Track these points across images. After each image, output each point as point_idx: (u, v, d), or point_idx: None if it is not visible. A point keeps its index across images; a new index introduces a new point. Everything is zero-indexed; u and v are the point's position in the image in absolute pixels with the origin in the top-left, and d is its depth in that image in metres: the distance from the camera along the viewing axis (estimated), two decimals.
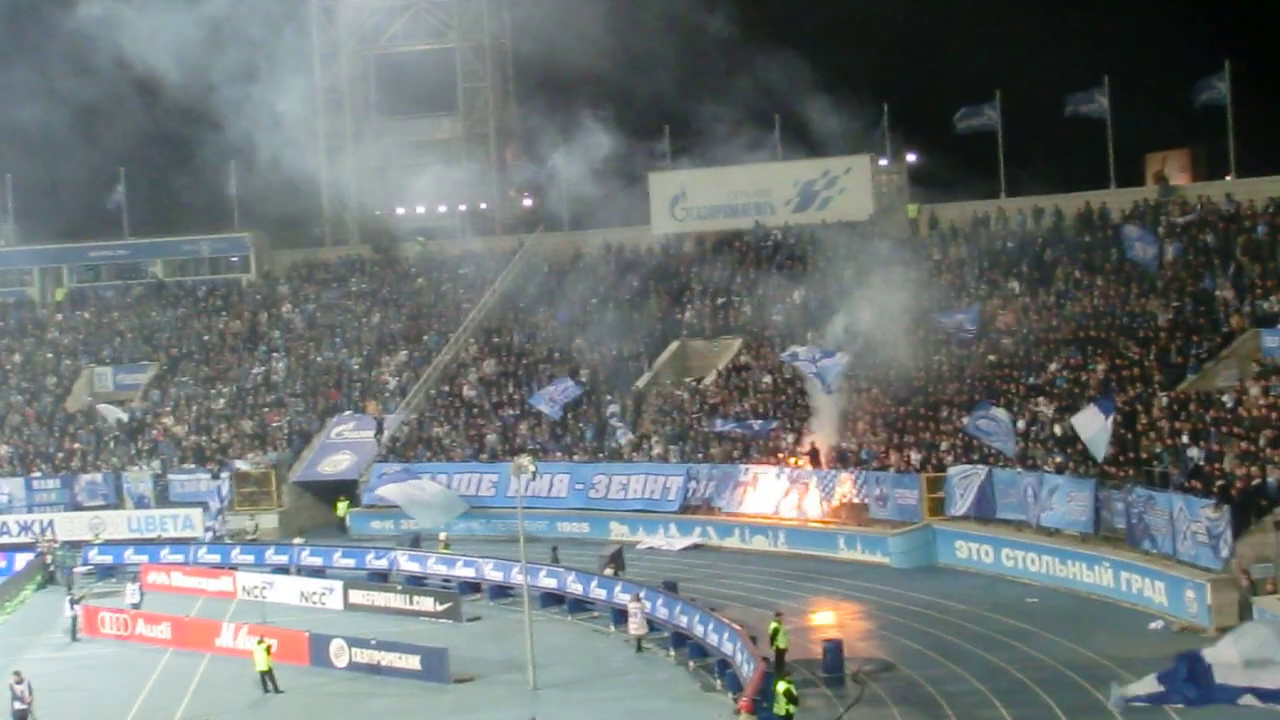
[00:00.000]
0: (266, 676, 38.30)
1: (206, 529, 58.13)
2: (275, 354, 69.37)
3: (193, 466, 62.48)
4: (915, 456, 49.61)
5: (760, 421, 54.21)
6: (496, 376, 63.92)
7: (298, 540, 54.75)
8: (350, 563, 51.26)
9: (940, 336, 54.68)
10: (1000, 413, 46.94)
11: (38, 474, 63.04)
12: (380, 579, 49.57)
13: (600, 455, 57.85)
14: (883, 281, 56.37)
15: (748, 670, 33.31)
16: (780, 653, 35.87)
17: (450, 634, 42.15)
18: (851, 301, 55.65)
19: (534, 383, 61.92)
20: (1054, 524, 44.26)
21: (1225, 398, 44.02)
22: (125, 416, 66.43)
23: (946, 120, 63.71)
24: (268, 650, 38.47)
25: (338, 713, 37.05)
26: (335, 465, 62.28)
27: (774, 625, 36.51)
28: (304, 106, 77.17)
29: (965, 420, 48.21)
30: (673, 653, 39.06)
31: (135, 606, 46.30)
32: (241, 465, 61.57)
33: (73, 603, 45.80)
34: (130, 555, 54.47)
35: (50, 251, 77.78)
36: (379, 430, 62.55)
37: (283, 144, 65.75)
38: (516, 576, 43.22)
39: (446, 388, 64.82)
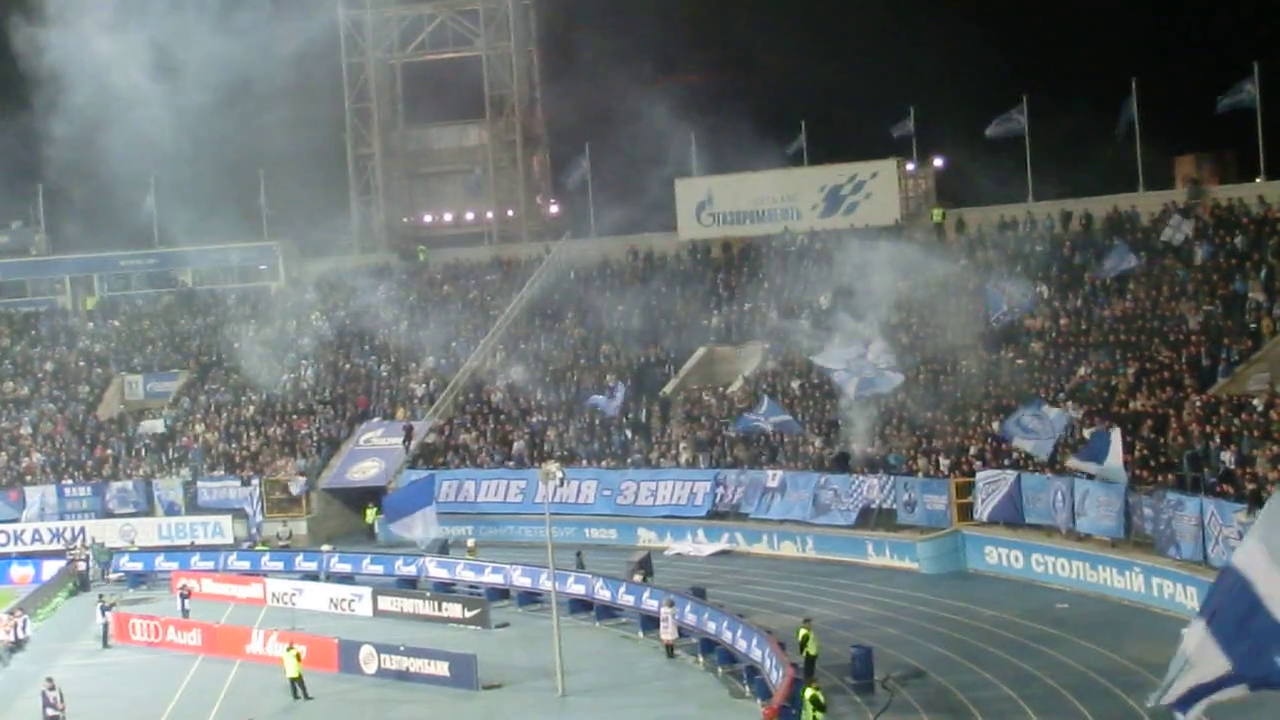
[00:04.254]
0: (296, 683, 38.40)
1: (248, 539, 58.70)
2: (304, 361, 69.58)
3: (222, 473, 62.80)
4: (944, 461, 49.44)
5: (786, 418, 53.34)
6: (524, 383, 63.96)
7: (326, 547, 54.95)
8: (379, 569, 51.36)
9: (992, 318, 53.89)
10: (1052, 411, 46.03)
11: (69, 482, 63.41)
12: (409, 585, 49.69)
13: (630, 462, 57.77)
14: (909, 286, 56.11)
15: (776, 677, 33.24)
16: (810, 659, 35.78)
17: (478, 640, 42.18)
18: (878, 307, 55.44)
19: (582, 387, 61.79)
20: (1087, 529, 44.05)
21: (1256, 401, 43.80)
22: (163, 428, 66.85)
23: (974, 124, 63.57)
24: (297, 657, 38.57)
25: (367, 719, 37.09)
26: (364, 472, 62.44)
27: (803, 632, 36.42)
28: (331, 114, 77.63)
29: (1002, 421, 47.60)
30: (701, 659, 39.00)
31: (185, 615, 46.97)
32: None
33: (104, 609, 46.04)
34: (160, 562, 54.80)
35: (81, 261, 78.30)
36: (407, 437, 62.67)
37: (311, 152, 65.91)
38: (544, 582, 43.26)
39: (474, 394, 64.91)
